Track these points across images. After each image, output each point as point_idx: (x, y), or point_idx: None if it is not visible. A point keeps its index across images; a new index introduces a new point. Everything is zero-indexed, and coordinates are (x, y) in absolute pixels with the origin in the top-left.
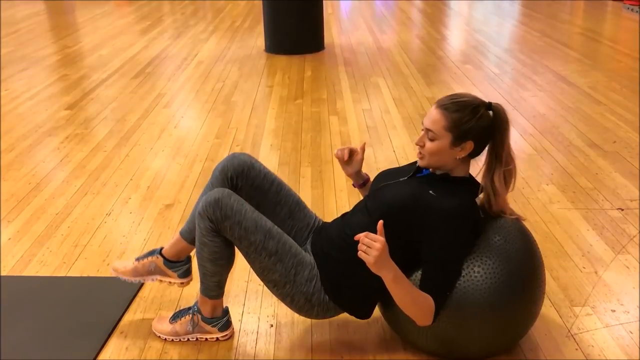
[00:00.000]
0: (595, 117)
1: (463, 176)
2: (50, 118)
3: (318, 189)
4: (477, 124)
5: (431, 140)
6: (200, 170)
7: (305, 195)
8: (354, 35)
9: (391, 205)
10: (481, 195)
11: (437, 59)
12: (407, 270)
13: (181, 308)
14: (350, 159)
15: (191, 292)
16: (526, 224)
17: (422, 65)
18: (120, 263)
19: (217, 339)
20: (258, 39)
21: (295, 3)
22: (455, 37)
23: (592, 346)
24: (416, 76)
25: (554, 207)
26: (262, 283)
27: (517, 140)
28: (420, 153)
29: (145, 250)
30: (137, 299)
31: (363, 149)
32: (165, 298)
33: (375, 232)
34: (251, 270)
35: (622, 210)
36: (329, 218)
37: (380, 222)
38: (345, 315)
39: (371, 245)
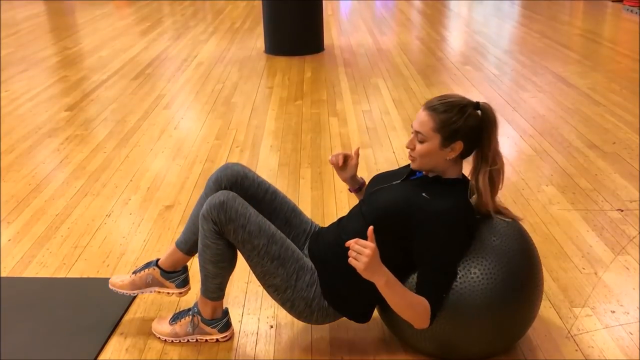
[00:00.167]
0: (594, 118)
1: (456, 177)
2: (50, 119)
3: (318, 190)
4: (465, 124)
5: (421, 142)
6: (200, 171)
7: (305, 196)
8: (354, 37)
9: (385, 209)
10: (474, 196)
11: (437, 60)
12: (404, 274)
13: (181, 309)
14: (345, 165)
15: (191, 293)
16: (526, 225)
17: (422, 67)
18: (118, 277)
19: (217, 340)
20: (258, 40)
21: (295, 4)
22: (455, 39)
23: (592, 347)
24: (416, 77)
25: (553, 208)
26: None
27: (517, 141)
28: (411, 156)
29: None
30: (137, 299)
31: (357, 154)
32: (165, 299)
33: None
34: (251, 271)
35: (622, 211)
36: (328, 219)
37: (371, 227)
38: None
39: (361, 252)
